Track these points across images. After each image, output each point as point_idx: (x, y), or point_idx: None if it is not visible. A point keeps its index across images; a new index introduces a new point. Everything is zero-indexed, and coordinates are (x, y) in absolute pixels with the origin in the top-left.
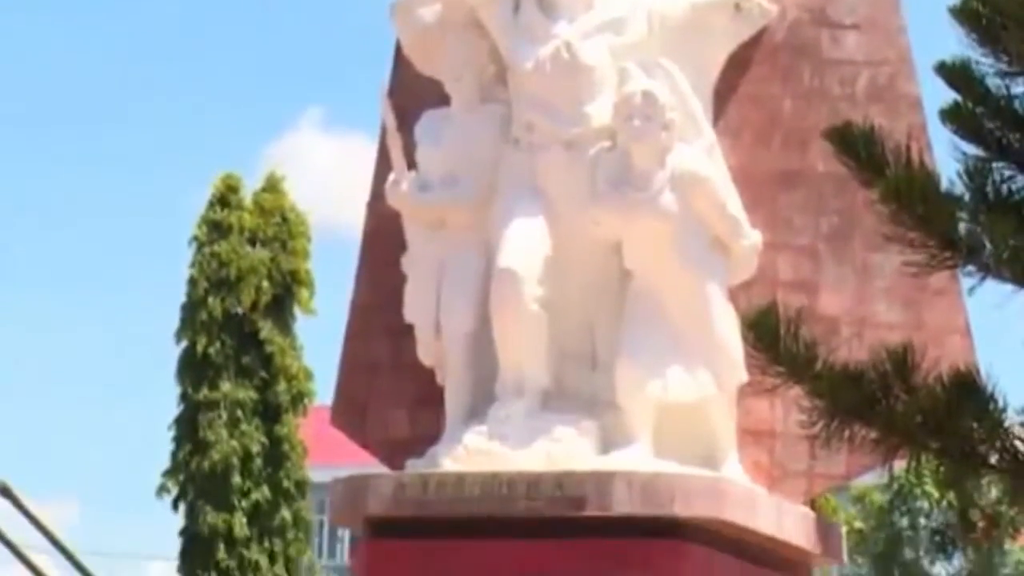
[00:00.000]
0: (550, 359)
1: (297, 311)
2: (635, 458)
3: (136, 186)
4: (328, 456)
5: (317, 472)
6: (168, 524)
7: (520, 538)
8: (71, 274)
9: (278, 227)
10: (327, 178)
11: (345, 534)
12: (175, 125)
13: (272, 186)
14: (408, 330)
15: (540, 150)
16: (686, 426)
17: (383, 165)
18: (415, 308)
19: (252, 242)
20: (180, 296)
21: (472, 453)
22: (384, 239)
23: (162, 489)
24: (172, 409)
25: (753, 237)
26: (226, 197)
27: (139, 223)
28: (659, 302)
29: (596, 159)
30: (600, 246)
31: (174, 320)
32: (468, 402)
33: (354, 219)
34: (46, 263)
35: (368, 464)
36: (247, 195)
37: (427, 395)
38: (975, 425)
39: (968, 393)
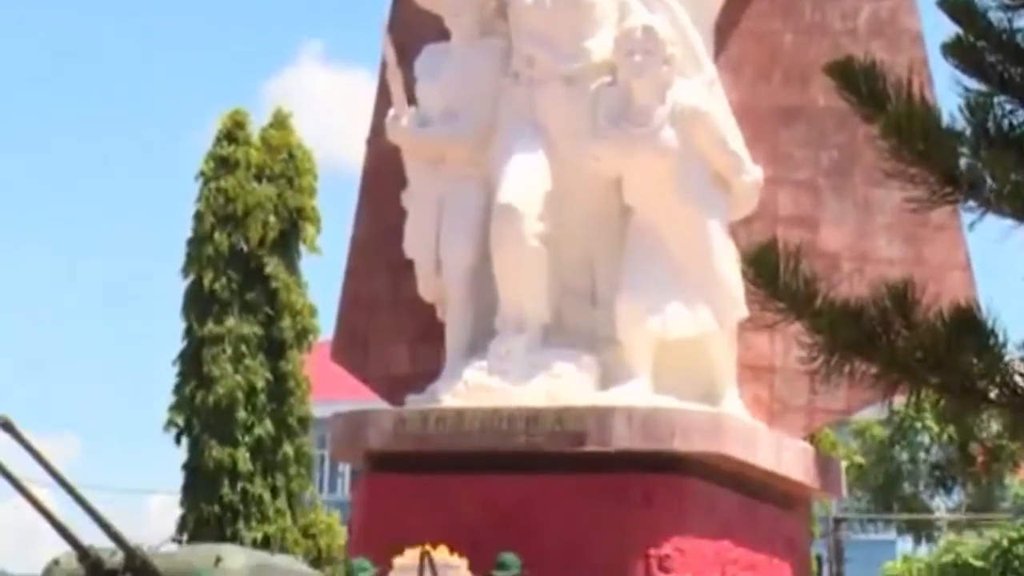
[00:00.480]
0: (550, 295)
1: (303, 248)
2: (635, 393)
3: (140, 122)
4: (329, 391)
5: (318, 407)
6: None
7: (520, 472)
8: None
9: (285, 164)
10: (329, 114)
11: (346, 468)
12: (174, 60)
13: (279, 122)
14: (408, 266)
15: (540, 85)
16: (686, 361)
17: (383, 101)
18: (415, 244)
19: (259, 178)
20: (187, 232)
21: (472, 388)
22: (384, 175)
23: (169, 424)
24: (176, 344)
25: (754, 172)
26: (233, 133)
27: (144, 159)
28: (659, 238)
29: (596, 94)
30: (600, 182)
31: (181, 255)
32: (468, 338)
33: (356, 156)
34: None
35: (369, 399)
36: (254, 131)
37: (427, 331)
38: (975, 360)
39: (968, 328)
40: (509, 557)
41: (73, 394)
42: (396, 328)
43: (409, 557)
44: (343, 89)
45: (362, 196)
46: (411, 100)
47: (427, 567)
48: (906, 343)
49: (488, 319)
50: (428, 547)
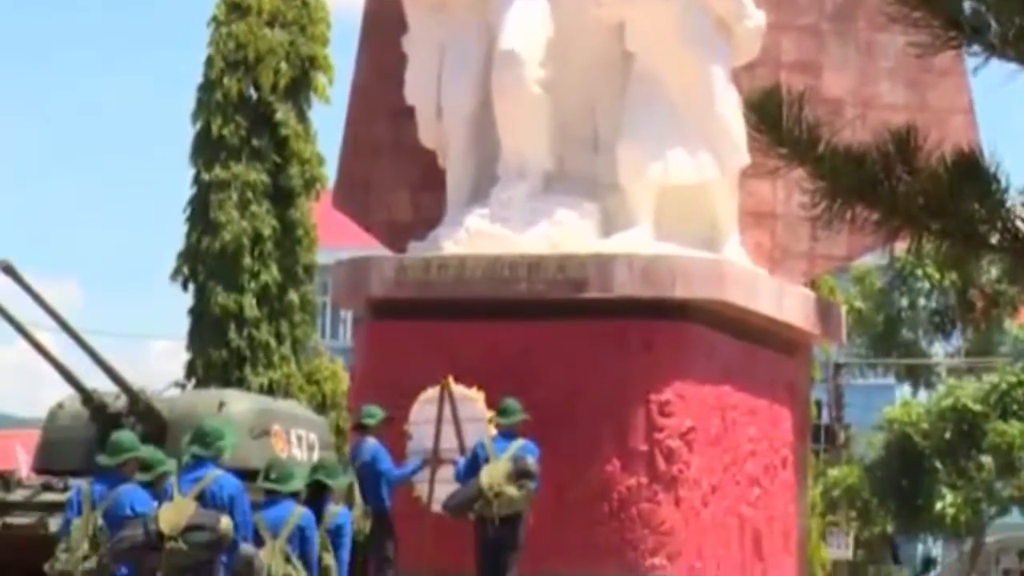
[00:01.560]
0: (552, 142)
1: (313, 97)
2: (636, 240)
3: None
4: (333, 239)
5: (322, 254)
6: (171, 304)
7: (521, 319)
8: (87, 52)
9: (298, 11)
10: None
11: (347, 315)
12: None
13: None
14: (409, 112)
15: None
16: (687, 208)
17: None
18: (416, 90)
19: (271, 24)
20: (197, 77)
21: (474, 235)
22: (385, 20)
23: (177, 271)
24: (181, 191)
25: (756, 18)
26: None
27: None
28: (661, 84)
29: None
30: (602, 28)
31: (191, 102)
32: (470, 185)
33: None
34: (61, 39)
35: (372, 247)
36: None
37: (429, 177)
38: (977, 206)
39: (970, 174)
40: (511, 403)
41: (76, 239)
42: (397, 175)
43: (431, 392)
44: None
45: (362, 40)
46: None
47: (447, 398)
48: (908, 189)
49: (490, 166)
50: (448, 379)
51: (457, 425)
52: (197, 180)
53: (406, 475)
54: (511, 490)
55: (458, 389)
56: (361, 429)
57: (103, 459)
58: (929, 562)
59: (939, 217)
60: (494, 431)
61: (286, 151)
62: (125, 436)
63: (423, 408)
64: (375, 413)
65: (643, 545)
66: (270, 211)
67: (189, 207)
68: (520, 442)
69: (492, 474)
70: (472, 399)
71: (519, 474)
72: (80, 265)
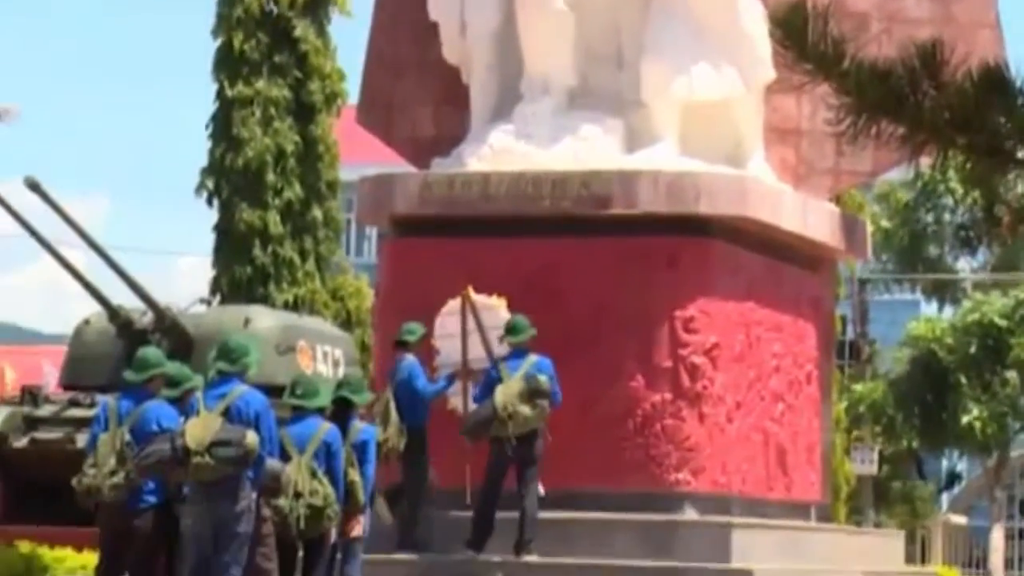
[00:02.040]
0: (576, 58)
1: (333, 12)
2: (661, 156)
3: None
4: (357, 155)
5: (346, 171)
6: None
7: (545, 236)
8: None
9: None
10: None
11: (372, 232)
12: None
13: None
14: (433, 28)
15: None
16: (712, 124)
17: None
18: (439, 5)
19: None
20: None
21: (498, 152)
22: None
23: (201, 187)
24: (207, 107)
25: None
26: None
27: None
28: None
29: None
30: None
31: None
32: (494, 101)
33: None
34: None
35: (396, 163)
36: None
37: (452, 93)
38: (1003, 120)
39: (997, 88)
40: (519, 320)
41: (102, 155)
42: (421, 90)
43: (453, 304)
44: None
45: None
46: None
47: (468, 310)
48: (934, 104)
49: (514, 83)
50: (468, 290)
51: (482, 334)
52: (220, 96)
53: (439, 390)
54: (525, 409)
55: (479, 299)
56: (401, 346)
57: (129, 375)
58: (953, 477)
59: (965, 132)
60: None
61: (307, 66)
62: (151, 352)
63: (446, 321)
64: (415, 330)
65: (667, 461)
66: (292, 127)
67: (212, 123)
68: (533, 359)
69: (506, 394)
70: (493, 307)
71: (532, 393)
72: (109, 180)
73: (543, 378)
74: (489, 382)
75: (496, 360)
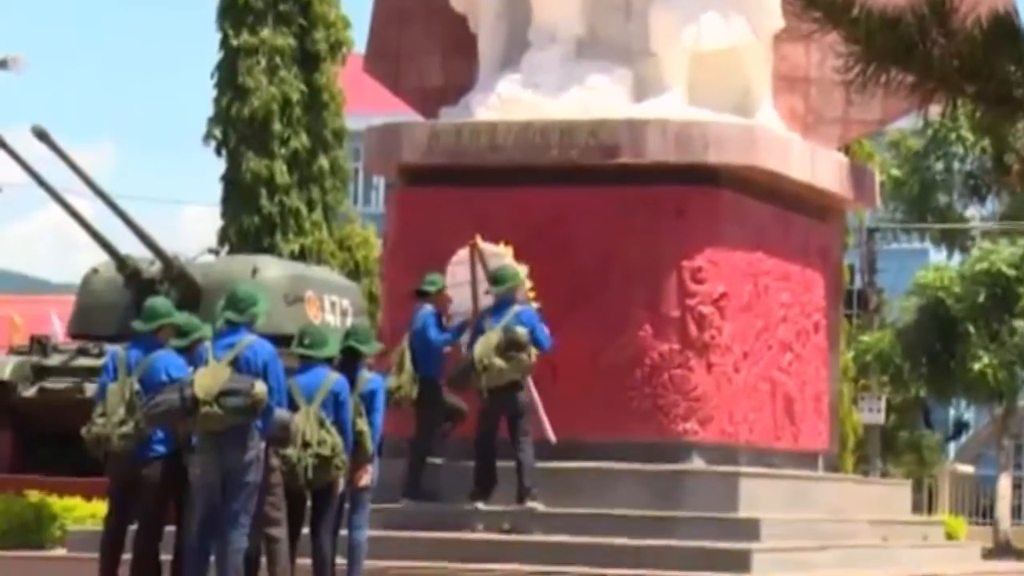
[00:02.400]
0: (584, 6)
1: None
2: (669, 106)
3: None
4: (364, 104)
5: (353, 120)
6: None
7: (553, 186)
8: None
9: None
10: None
11: (380, 181)
12: None
13: None
14: None
15: None
16: (720, 73)
17: None
18: None
19: None
20: None
21: (506, 101)
22: None
23: (208, 136)
24: (212, 56)
25: None
26: None
27: None
28: None
29: None
30: None
31: None
32: (501, 50)
33: None
34: None
35: (403, 112)
36: None
37: (460, 43)
38: (1012, 68)
39: (1006, 36)
40: (502, 271)
41: (109, 104)
42: (428, 39)
43: (462, 253)
44: None
45: None
46: None
47: (477, 258)
48: (943, 51)
49: (521, 31)
50: (476, 239)
51: (474, 287)
52: (224, 45)
53: (448, 340)
54: (498, 362)
55: (486, 247)
56: (421, 296)
57: (138, 325)
58: (961, 426)
59: (974, 80)
60: (532, 294)
61: (311, 15)
62: (160, 302)
63: (456, 270)
64: (435, 281)
65: (675, 411)
66: (298, 76)
67: (217, 72)
68: (516, 310)
69: (484, 346)
70: (500, 254)
71: (508, 345)
72: (116, 128)
73: (521, 330)
74: (477, 334)
75: (482, 311)
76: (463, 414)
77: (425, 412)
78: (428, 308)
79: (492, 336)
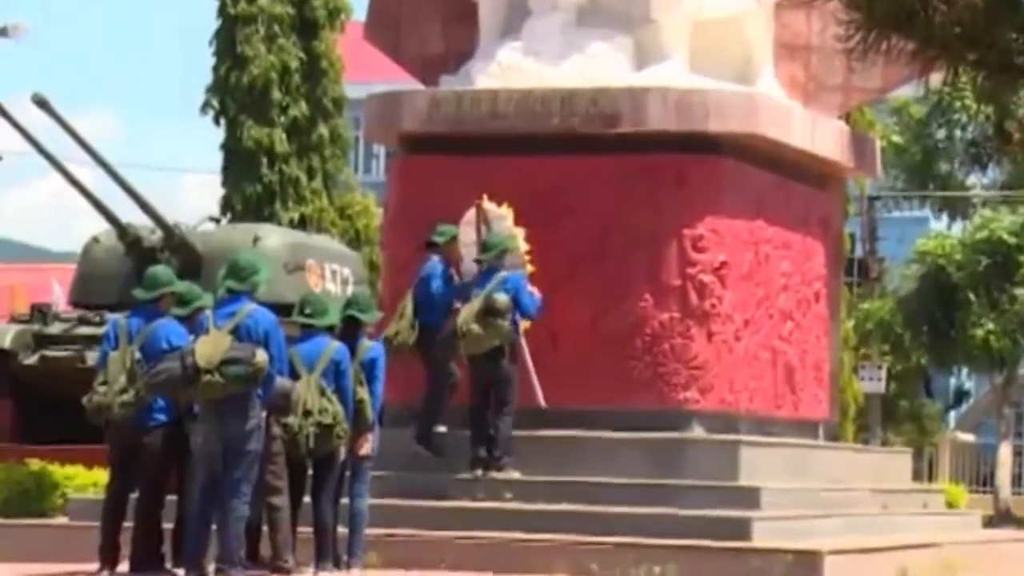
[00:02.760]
0: None
1: None
2: (670, 73)
3: None
4: (364, 73)
5: (353, 88)
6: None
7: (554, 154)
8: None
9: None
10: None
11: (380, 150)
12: None
13: None
14: None
15: None
16: (721, 41)
17: None
18: None
19: None
20: None
21: (506, 69)
22: None
23: (206, 105)
24: (211, 25)
25: None
26: None
27: None
28: None
29: None
30: None
31: None
32: (502, 17)
33: None
34: None
35: (404, 80)
36: None
37: (461, 10)
38: (1013, 36)
39: (1007, 4)
40: (490, 238)
41: (109, 72)
42: (429, 6)
43: (470, 214)
44: None
45: None
46: None
47: (482, 219)
48: (944, 19)
49: None
50: (482, 200)
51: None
52: (222, 12)
53: (446, 294)
54: (476, 328)
55: (490, 208)
56: (431, 247)
57: (139, 293)
58: (961, 394)
59: (975, 47)
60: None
61: None
62: (161, 270)
63: (465, 230)
64: (444, 231)
65: (675, 379)
66: (296, 43)
67: (215, 40)
68: (501, 276)
69: (466, 312)
70: (503, 216)
71: (487, 311)
72: (116, 97)
73: (501, 297)
74: (464, 300)
75: (471, 279)
76: (457, 380)
77: (432, 361)
78: (435, 259)
79: (475, 303)
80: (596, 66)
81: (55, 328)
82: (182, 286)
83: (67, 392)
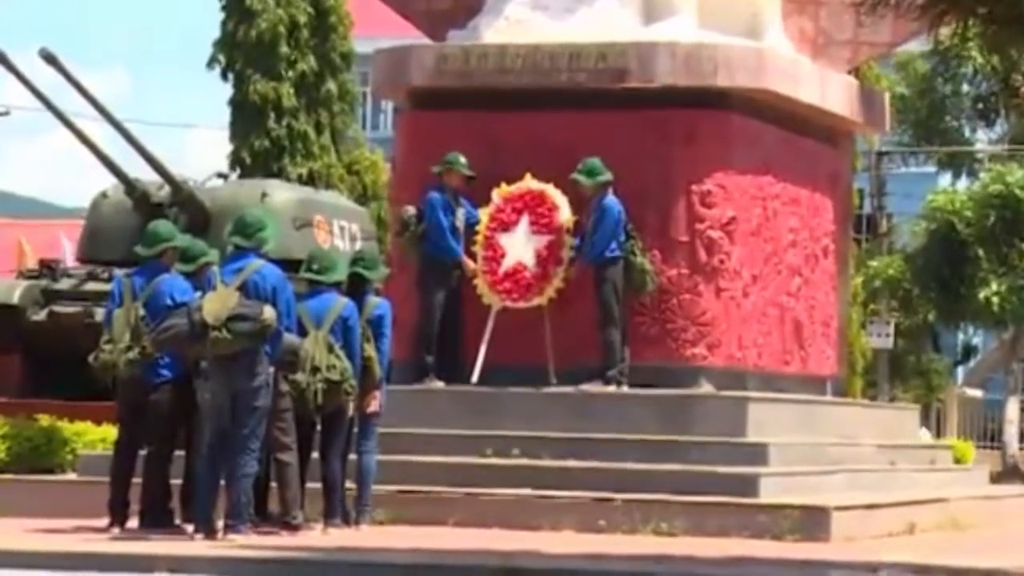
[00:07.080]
0: None
1: None
2: (678, 28)
3: None
4: (372, 28)
5: (360, 43)
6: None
7: (562, 109)
8: None
9: None
10: None
11: (388, 105)
12: None
13: None
14: None
15: None
16: None
17: None
18: None
19: None
20: None
21: (514, 24)
22: None
23: (213, 60)
24: None
25: None
26: None
27: None
28: None
29: None
30: None
31: None
32: None
33: None
34: None
35: (411, 35)
36: None
37: None
38: None
39: None
40: (592, 162)
41: (118, 28)
42: None
43: None
44: None
45: None
46: None
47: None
48: None
49: None
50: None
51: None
52: None
53: (439, 227)
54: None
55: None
56: (436, 176)
57: (140, 250)
58: (969, 350)
59: (985, 1)
60: None
61: None
62: (162, 226)
63: None
64: (446, 159)
65: (684, 335)
66: None
67: None
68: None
69: None
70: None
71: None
72: (126, 52)
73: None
74: None
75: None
76: None
77: (428, 289)
78: (433, 193)
79: None
80: (604, 21)
81: (63, 284)
82: (184, 241)
83: (76, 348)
